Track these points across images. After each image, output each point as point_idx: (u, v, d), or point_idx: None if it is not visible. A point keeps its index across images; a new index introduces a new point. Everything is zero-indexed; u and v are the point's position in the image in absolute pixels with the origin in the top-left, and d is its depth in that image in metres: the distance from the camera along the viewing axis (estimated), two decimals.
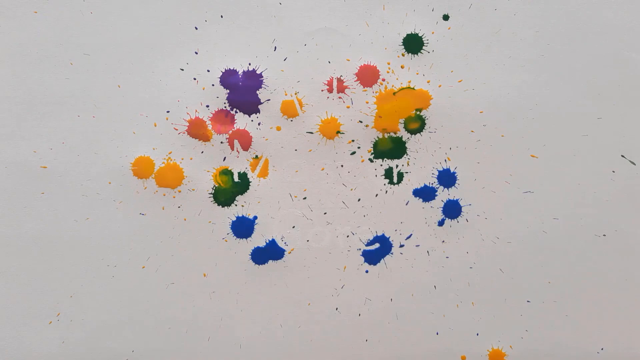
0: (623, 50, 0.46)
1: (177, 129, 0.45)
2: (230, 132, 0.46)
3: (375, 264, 0.47)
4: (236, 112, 0.45)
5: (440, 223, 0.47)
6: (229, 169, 0.46)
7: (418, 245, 0.47)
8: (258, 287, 0.47)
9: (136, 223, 0.46)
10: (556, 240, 0.47)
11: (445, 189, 0.47)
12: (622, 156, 0.47)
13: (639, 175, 0.47)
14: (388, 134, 0.46)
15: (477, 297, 0.48)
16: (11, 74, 0.44)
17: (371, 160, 0.46)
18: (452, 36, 0.45)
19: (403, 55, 0.45)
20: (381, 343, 0.48)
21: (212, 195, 0.46)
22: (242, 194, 0.46)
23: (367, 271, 0.47)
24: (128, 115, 0.45)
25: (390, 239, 0.47)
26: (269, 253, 0.47)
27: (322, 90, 0.46)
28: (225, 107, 0.45)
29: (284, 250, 0.47)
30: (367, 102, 0.46)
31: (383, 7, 0.45)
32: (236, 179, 0.46)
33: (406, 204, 0.47)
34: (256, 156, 0.46)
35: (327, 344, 0.48)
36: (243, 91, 0.45)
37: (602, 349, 0.49)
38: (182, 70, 0.45)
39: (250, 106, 0.45)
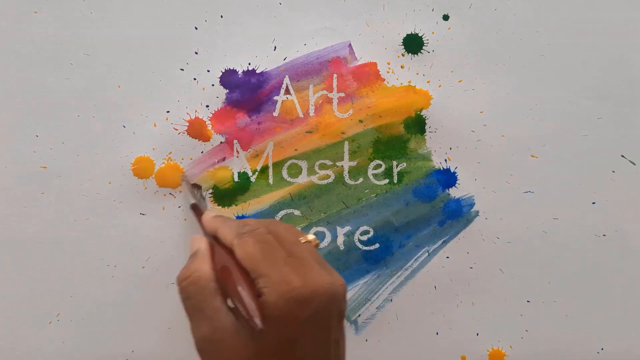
0: (623, 50, 0.46)
1: (177, 129, 0.45)
2: (230, 132, 0.45)
3: (375, 263, 0.47)
4: (236, 111, 0.45)
5: (441, 223, 0.47)
6: (229, 169, 0.46)
7: (418, 246, 0.47)
8: None
9: (136, 223, 0.46)
10: (556, 240, 0.47)
11: (445, 189, 0.47)
12: (622, 156, 0.47)
13: (639, 175, 0.47)
14: (388, 134, 0.46)
15: (477, 297, 0.48)
16: (11, 74, 0.44)
17: (371, 160, 0.46)
18: (452, 36, 0.45)
19: (403, 55, 0.45)
20: (381, 343, 0.48)
21: (212, 195, 0.46)
22: (242, 194, 0.46)
23: (367, 271, 0.47)
24: (128, 115, 0.45)
25: (390, 239, 0.47)
26: None
27: (322, 90, 0.45)
28: (225, 107, 0.45)
29: None
30: (367, 102, 0.46)
31: (383, 7, 0.45)
32: (236, 179, 0.46)
33: (406, 205, 0.47)
34: (256, 156, 0.46)
35: None
36: (243, 91, 0.45)
37: (602, 349, 0.49)
38: (182, 70, 0.45)
39: (250, 106, 0.45)
